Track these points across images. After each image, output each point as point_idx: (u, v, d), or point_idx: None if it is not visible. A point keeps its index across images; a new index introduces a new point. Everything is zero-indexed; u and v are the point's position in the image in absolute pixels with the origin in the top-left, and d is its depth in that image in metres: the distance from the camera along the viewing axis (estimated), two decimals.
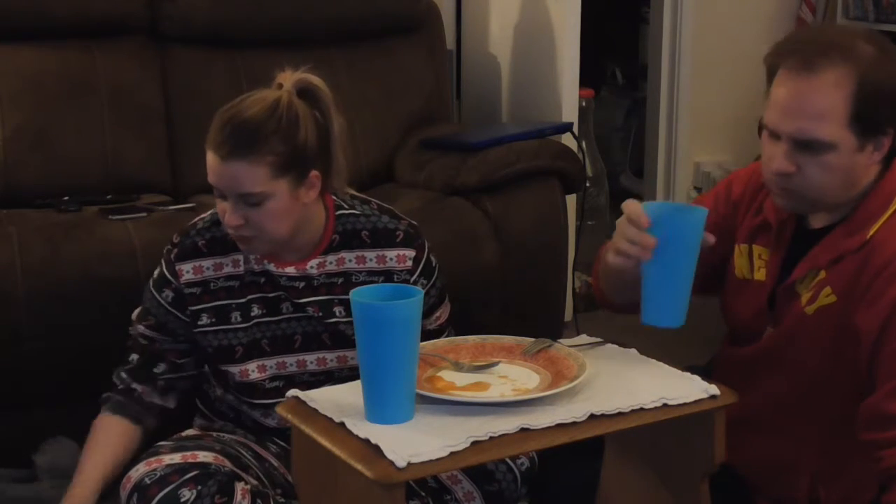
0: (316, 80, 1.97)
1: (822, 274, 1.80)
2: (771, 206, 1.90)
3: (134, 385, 2.08)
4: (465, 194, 2.85)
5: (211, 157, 1.90)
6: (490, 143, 2.93)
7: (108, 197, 2.82)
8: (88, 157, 2.90)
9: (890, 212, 1.77)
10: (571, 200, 3.17)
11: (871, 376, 1.74)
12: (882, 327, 1.71)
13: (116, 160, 2.92)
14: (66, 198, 2.78)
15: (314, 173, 1.93)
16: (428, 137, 3.14)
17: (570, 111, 3.33)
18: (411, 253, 2.05)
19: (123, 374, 2.09)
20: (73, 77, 2.94)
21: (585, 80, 3.53)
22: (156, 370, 2.08)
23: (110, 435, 2.06)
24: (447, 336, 2.11)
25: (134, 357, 2.09)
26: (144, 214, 2.67)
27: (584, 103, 3.68)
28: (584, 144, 3.10)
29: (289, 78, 1.96)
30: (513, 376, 1.68)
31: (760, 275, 1.91)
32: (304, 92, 1.95)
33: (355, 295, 1.52)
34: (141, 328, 2.08)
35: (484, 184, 2.83)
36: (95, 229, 2.55)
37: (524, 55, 3.50)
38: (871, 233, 1.77)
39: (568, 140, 3.12)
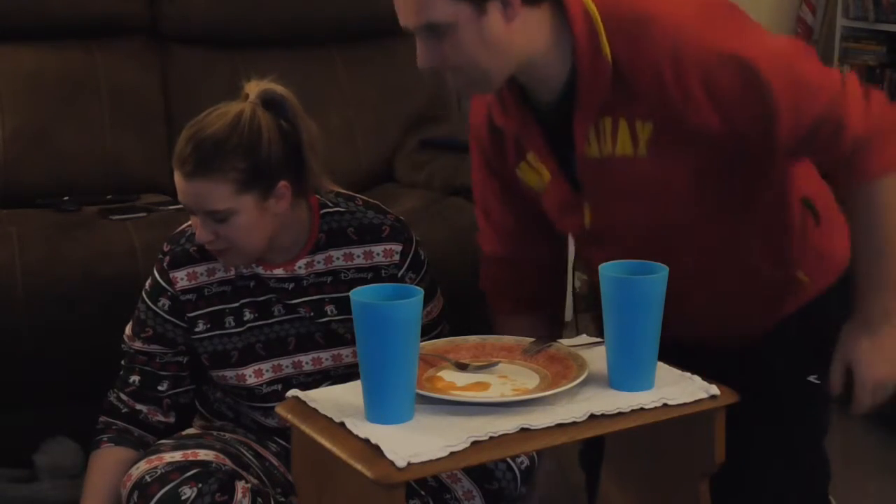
0: (280, 89, 1.94)
1: (608, 124, 1.75)
2: (496, 110, 1.87)
3: (139, 407, 2.06)
4: (465, 194, 2.85)
5: (176, 176, 1.89)
6: None
7: (108, 197, 2.82)
8: (88, 157, 2.90)
9: (597, 35, 1.71)
10: None
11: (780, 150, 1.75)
12: (725, 117, 1.69)
13: (116, 160, 2.92)
14: (66, 198, 2.79)
15: (282, 184, 1.91)
16: (428, 137, 3.14)
17: None
18: (398, 247, 2.04)
19: (125, 397, 2.06)
20: (73, 77, 2.94)
21: None
22: (160, 388, 2.06)
23: (116, 471, 2.00)
24: (440, 331, 2.11)
25: (135, 379, 2.06)
26: (144, 214, 2.67)
27: None
28: None
29: (254, 88, 1.94)
30: (513, 376, 1.67)
31: (546, 175, 1.87)
32: (269, 102, 1.93)
33: (355, 295, 1.52)
34: (138, 344, 2.06)
35: None
36: (95, 229, 2.55)
37: None
38: (609, 57, 1.71)
39: None
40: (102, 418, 2.07)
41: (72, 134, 2.90)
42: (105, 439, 2.04)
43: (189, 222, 2.04)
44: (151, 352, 2.05)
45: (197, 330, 2.02)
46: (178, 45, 3.09)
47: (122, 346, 2.08)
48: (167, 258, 2.03)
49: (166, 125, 2.97)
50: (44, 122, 2.88)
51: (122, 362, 2.08)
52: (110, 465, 2.02)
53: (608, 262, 1.67)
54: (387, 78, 3.24)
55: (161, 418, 2.07)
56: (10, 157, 2.84)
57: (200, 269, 2.01)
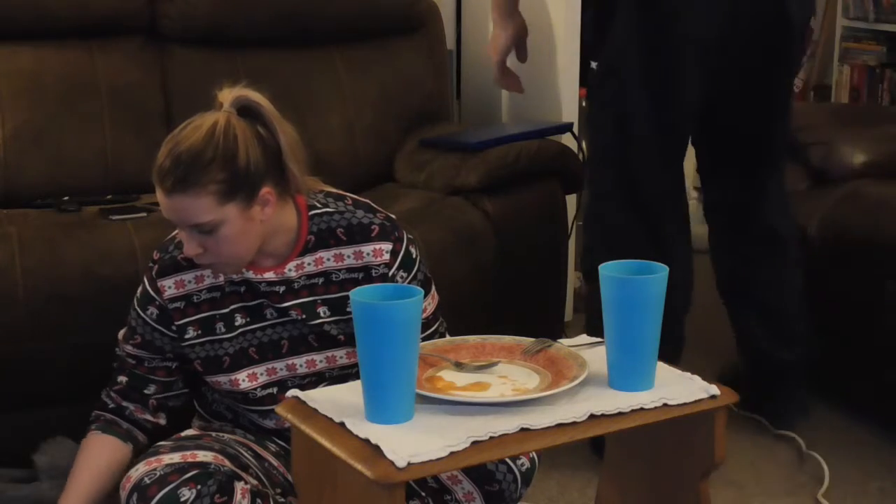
0: (254, 95, 1.92)
1: None
2: None
3: (125, 404, 2.07)
4: (465, 194, 2.85)
5: (157, 191, 1.89)
6: (490, 143, 2.93)
7: (108, 197, 2.82)
8: (88, 157, 2.90)
9: None
10: (571, 200, 3.18)
11: None
12: None
13: (116, 160, 2.92)
14: (66, 198, 2.79)
15: (265, 190, 1.90)
16: (428, 137, 3.14)
17: (570, 111, 3.34)
18: (388, 246, 2.03)
19: (113, 394, 2.08)
20: (73, 77, 2.94)
21: (585, 80, 3.53)
22: (146, 391, 2.07)
23: (100, 455, 2.04)
24: (437, 328, 2.11)
25: (123, 379, 2.08)
26: (144, 214, 2.67)
27: (584, 103, 3.68)
28: (584, 144, 3.10)
29: (227, 96, 1.92)
30: (513, 376, 1.68)
31: None
32: (244, 109, 1.91)
33: (355, 295, 1.52)
34: (128, 348, 2.07)
35: (484, 184, 2.83)
36: (95, 229, 2.55)
37: None
38: None
39: (568, 140, 3.12)
40: (94, 413, 2.10)
41: (72, 134, 2.90)
42: (93, 428, 2.07)
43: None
44: (140, 356, 2.06)
45: (187, 337, 2.02)
46: (177, 45, 3.09)
47: (116, 348, 2.10)
48: (155, 267, 2.03)
49: (166, 125, 2.97)
50: (44, 122, 2.88)
51: (114, 364, 2.10)
52: (97, 448, 2.04)
53: (608, 262, 1.67)
54: (387, 78, 3.25)
55: (148, 417, 2.08)
56: (10, 157, 2.84)
57: (188, 276, 2.01)
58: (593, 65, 2.56)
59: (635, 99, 2.49)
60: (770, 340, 2.79)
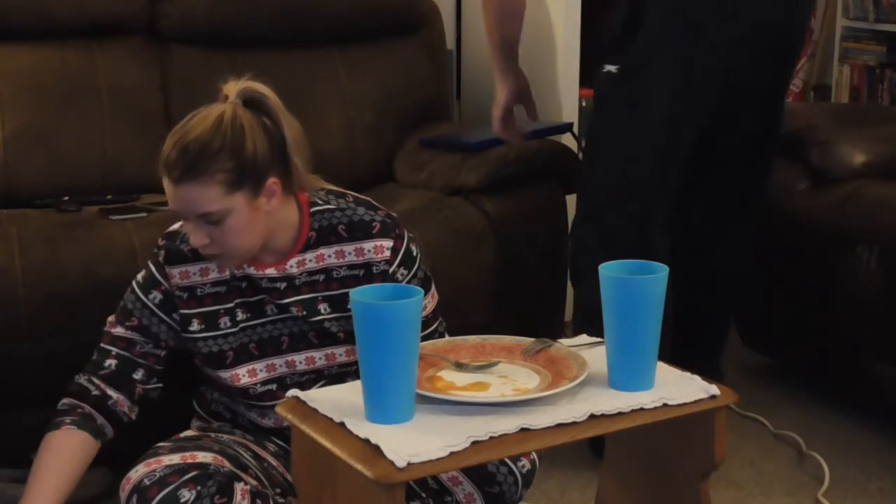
0: (260, 86, 1.93)
1: None
2: None
3: (110, 392, 2.03)
4: (465, 194, 2.85)
5: (164, 182, 1.89)
6: (490, 143, 2.93)
7: (108, 197, 2.82)
8: (88, 157, 2.90)
9: None
10: (571, 200, 3.17)
11: None
12: None
13: (116, 160, 2.92)
14: (66, 198, 2.79)
15: (272, 181, 1.91)
16: (428, 137, 3.14)
17: (570, 111, 3.34)
18: (388, 243, 2.03)
19: (97, 381, 2.03)
20: (73, 77, 2.94)
21: (585, 80, 3.53)
22: (135, 376, 2.04)
23: (73, 456, 1.97)
24: (436, 327, 2.11)
25: (111, 363, 2.03)
26: (144, 214, 2.67)
27: (584, 103, 3.68)
28: (584, 144, 3.10)
29: (232, 88, 1.93)
30: (513, 376, 1.68)
31: None
32: (250, 101, 1.92)
33: (355, 295, 1.52)
34: (120, 330, 2.04)
35: (484, 184, 2.83)
36: (95, 229, 2.55)
37: (524, 55, 3.49)
38: None
39: (568, 140, 3.12)
40: (67, 400, 2.02)
41: (72, 134, 2.90)
42: (68, 421, 1.99)
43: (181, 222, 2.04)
44: (133, 339, 2.04)
45: (191, 329, 2.02)
46: (177, 45, 3.09)
47: (103, 329, 2.07)
48: (163, 252, 2.03)
49: (166, 125, 2.96)
50: (44, 122, 2.88)
51: (99, 346, 2.06)
52: (74, 447, 1.97)
53: (608, 262, 1.66)
54: (387, 78, 3.24)
55: (126, 410, 2.04)
56: (10, 157, 2.84)
57: (193, 268, 2.01)
58: (609, 67, 2.53)
59: (665, 99, 2.48)
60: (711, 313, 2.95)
